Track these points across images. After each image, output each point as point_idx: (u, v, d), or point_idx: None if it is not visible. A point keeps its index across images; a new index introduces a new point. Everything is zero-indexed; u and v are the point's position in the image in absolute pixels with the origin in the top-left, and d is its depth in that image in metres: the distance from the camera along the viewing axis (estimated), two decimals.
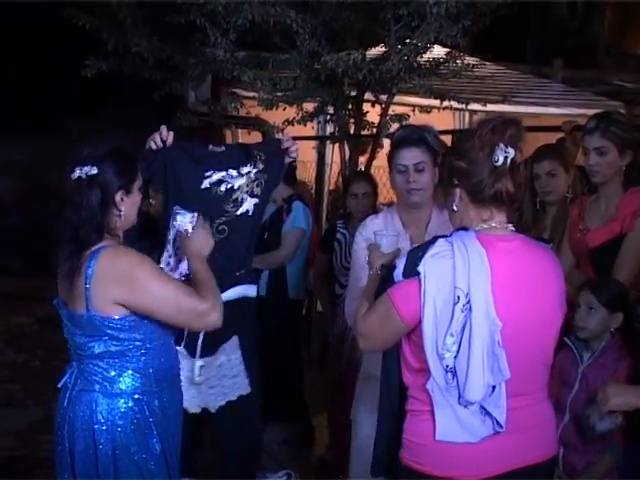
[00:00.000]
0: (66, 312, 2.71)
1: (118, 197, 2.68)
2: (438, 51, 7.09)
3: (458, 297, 2.27)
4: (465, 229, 2.43)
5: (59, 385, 2.77)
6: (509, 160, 2.33)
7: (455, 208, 2.46)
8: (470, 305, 2.26)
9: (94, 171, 2.62)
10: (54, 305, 2.79)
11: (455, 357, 2.28)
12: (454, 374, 2.29)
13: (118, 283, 2.59)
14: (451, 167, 2.45)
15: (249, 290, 3.78)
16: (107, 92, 9.37)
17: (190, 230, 3.03)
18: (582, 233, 3.59)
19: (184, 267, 3.10)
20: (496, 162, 2.32)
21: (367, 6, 6.45)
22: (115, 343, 2.64)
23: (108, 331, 2.62)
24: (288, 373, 5.39)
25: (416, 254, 2.40)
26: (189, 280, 2.89)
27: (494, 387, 2.29)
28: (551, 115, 9.26)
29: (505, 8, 6.68)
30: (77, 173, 2.64)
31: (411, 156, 3.27)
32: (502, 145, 2.32)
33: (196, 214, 3.08)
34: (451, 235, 2.40)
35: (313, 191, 9.14)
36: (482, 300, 2.26)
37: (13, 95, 11.32)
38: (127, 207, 2.73)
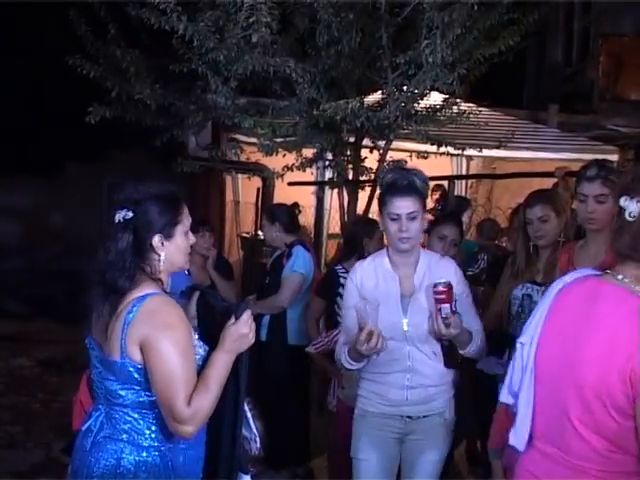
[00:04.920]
0: (99, 355, 2.59)
1: (156, 241, 2.57)
2: (435, 97, 7.25)
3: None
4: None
5: (83, 427, 2.65)
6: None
7: None
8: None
9: (129, 215, 2.54)
10: (85, 344, 2.66)
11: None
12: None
13: (147, 331, 2.46)
14: None
15: None
16: (109, 137, 9.48)
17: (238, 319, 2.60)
18: None
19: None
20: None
21: (364, 55, 6.63)
22: (147, 394, 2.51)
23: (140, 379, 2.50)
24: (291, 419, 5.30)
25: None
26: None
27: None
28: (546, 160, 9.36)
29: (500, 56, 6.85)
30: (116, 217, 2.55)
31: (404, 205, 3.29)
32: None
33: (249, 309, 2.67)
34: None
35: (312, 235, 9.24)
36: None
37: (15, 140, 11.48)
38: (169, 252, 2.60)
